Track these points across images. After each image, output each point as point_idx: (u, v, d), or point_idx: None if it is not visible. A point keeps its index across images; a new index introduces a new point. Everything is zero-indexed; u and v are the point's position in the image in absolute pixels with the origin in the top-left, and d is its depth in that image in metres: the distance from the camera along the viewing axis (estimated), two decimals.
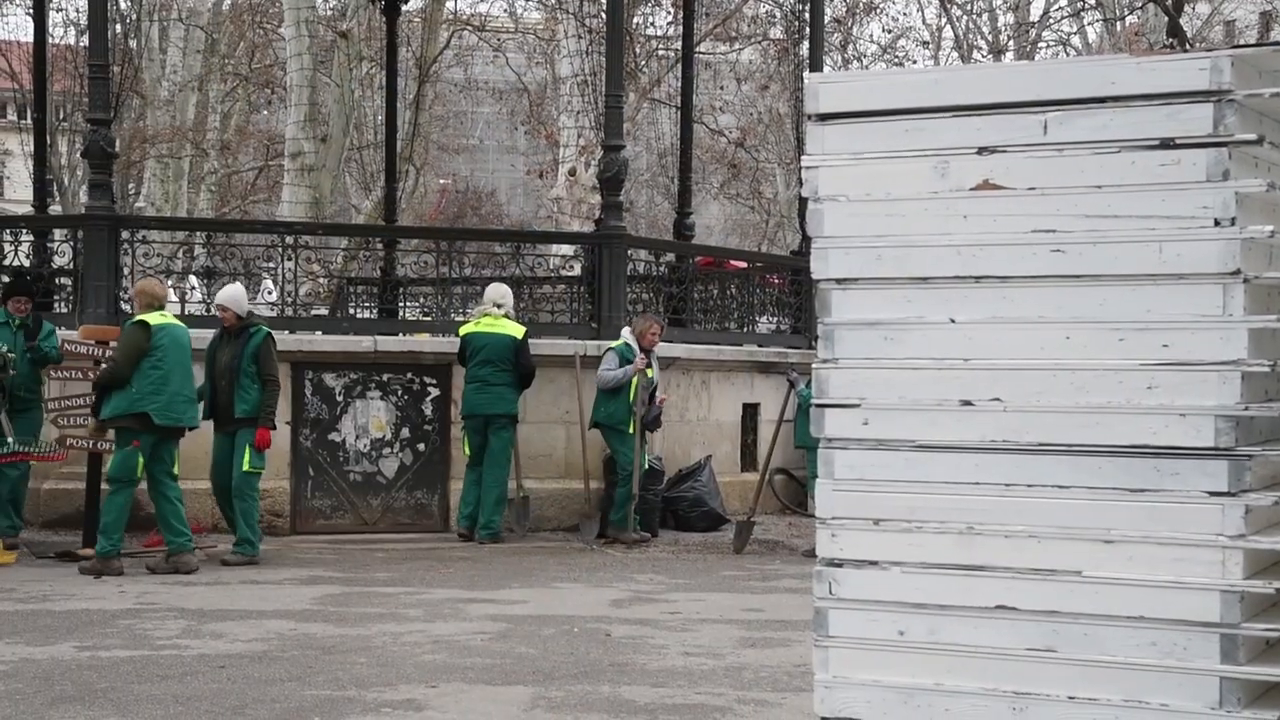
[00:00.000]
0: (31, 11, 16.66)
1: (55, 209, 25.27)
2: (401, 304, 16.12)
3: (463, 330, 11.38)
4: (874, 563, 3.79)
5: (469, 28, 30.32)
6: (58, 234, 13.57)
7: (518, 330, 11.29)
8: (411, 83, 25.73)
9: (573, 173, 21.56)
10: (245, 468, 9.86)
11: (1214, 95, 3.37)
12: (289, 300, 12.43)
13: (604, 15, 15.73)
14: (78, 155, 26.95)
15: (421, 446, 11.84)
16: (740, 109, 31.83)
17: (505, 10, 31.29)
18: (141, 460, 9.32)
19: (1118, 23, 27.01)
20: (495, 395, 11.13)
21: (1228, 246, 3.38)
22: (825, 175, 3.85)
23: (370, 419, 11.73)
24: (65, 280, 12.96)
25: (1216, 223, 3.39)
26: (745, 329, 14.89)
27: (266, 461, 10.10)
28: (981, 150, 3.65)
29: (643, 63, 27.13)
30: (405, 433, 11.81)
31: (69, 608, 8.09)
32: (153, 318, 9.48)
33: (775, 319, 15.86)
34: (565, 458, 12.09)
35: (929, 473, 3.74)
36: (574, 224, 20.55)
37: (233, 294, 10.34)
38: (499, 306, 11.39)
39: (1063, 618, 3.58)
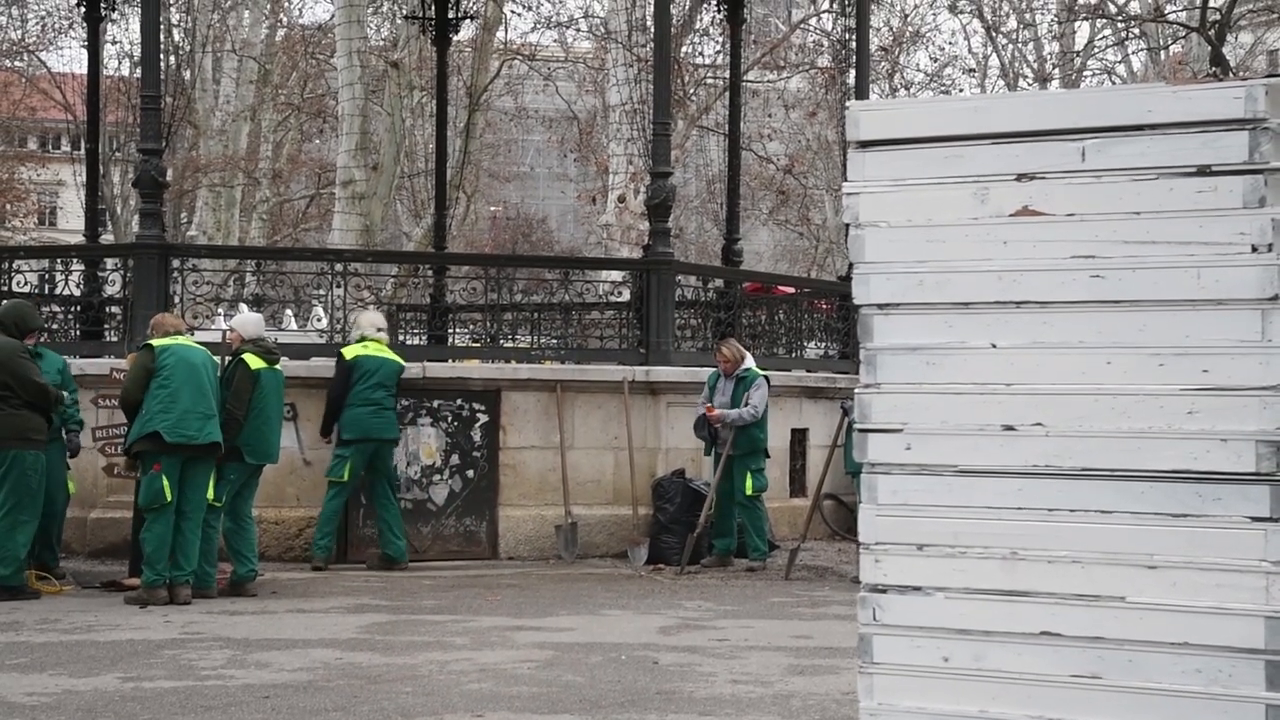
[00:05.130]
0: (86, 44, 16.94)
1: (107, 238, 25.62)
2: (451, 330, 16.24)
3: (349, 353, 11.18)
4: (918, 588, 3.79)
5: (519, 57, 30.57)
6: (109, 263, 13.69)
7: (400, 358, 11.37)
8: (462, 111, 25.96)
9: (622, 199, 21.68)
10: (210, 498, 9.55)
11: (1249, 123, 3.39)
12: (339, 327, 12.55)
13: (652, 44, 15.82)
14: (130, 185, 27.34)
15: (470, 473, 11.87)
16: (788, 136, 31.90)
17: (555, 40, 31.54)
18: (167, 483, 9.17)
19: (1162, 51, 26.93)
20: (388, 419, 11.13)
21: (1265, 272, 3.39)
22: (866, 201, 3.88)
23: (421, 445, 11.75)
24: (115, 309, 13.10)
25: (1254, 249, 3.40)
26: (793, 354, 14.89)
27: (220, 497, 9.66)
28: (1021, 177, 3.67)
29: (691, 91, 27.25)
30: (455, 459, 11.83)
31: (113, 638, 8.04)
32: (160, 340, 9.43)
33: (823, 344, 15.86)
34: (614, 483, 12.11)
35: (972, 498, 3.75)
36: (624, 250, 20.64)
37: (239, 319, 10.49)
38: (381, 330, 11.43)
39: (1107, 644, 3.57)
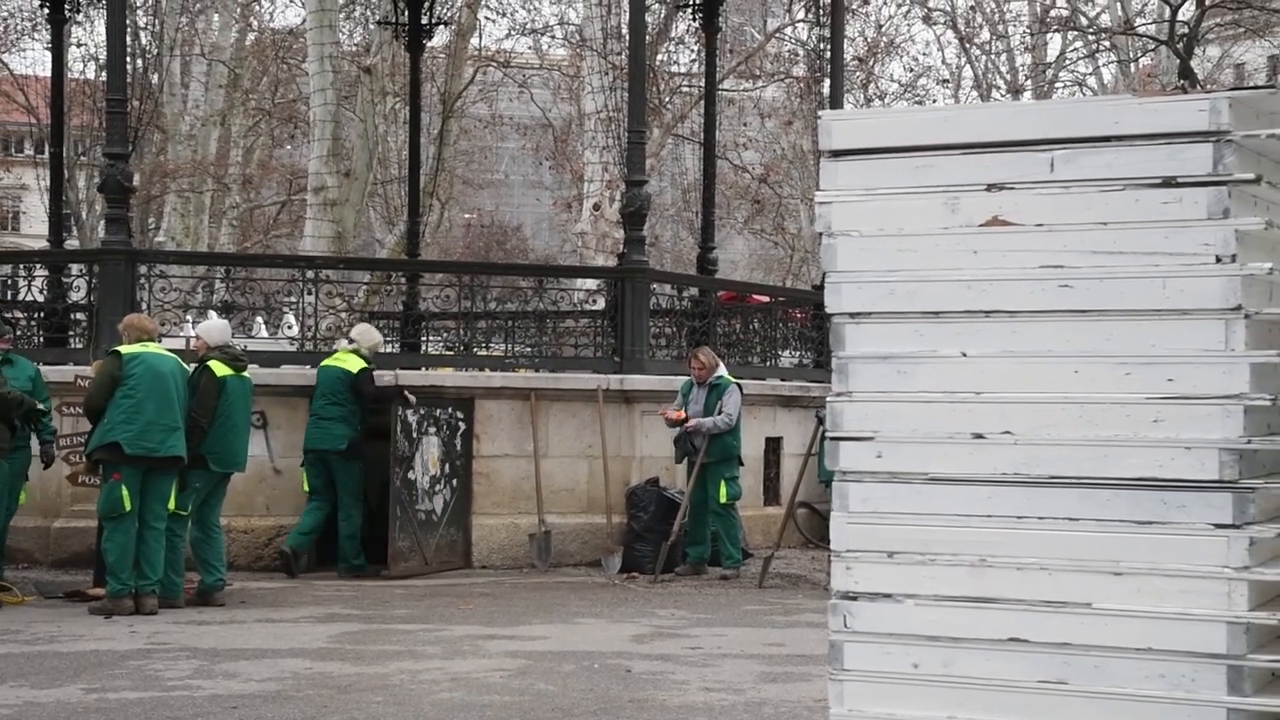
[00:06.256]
0: (50, 46, 16.84)
1: (73, 244, 25.39)
2: (424, 338, 16.21)
3: None
4: (888, 595, 3.82)
5: (494, 64, 30.55)
6: (74, 269, 13.53)
7: (354, 363, 11.15)
8: (436, 118, 25.93)
9: (597, 207, 21.70)
10: (171, 507, 9.41)
11: (1213, 135, 3.44)
12: (310, 335, 12.51)
13: (627, 52, 15.86)
14: (96, 190, 27.13)
15: (455, 482, 11.75)
16: (764, 145, 31.99)
17: (530, 47, 31.54)
18: (127, 492, 9.06)
19: (1132, 64, 27.20)
20: (324, 430, 11.05)
21: (1229, 283, 3.43)
22: (838, 210, 3.90)
23: (429, 456, 11.53)
24: (80, 316, 12.99)
25: (1218, 259, 3.44)
26: (768, 363, 14.93)
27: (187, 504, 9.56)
28: (991, 187, 3.71)
29: (667, 99, 27.31)
30: (447, 468, 11.69)
31: (77, 649, 7.94)
32: (129, 347, 9.31)
33: (798, 353, 15.91)
34: (588, 492, 12.11)
35: (942, 505, 3.78)
36: (599, 258, 20.65)
37: (204, 326, 10.47)
38: (351, 341, 11.38)
39: (1074, 649, 3.60)
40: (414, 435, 11.37)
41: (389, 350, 16.14)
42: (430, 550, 11.48)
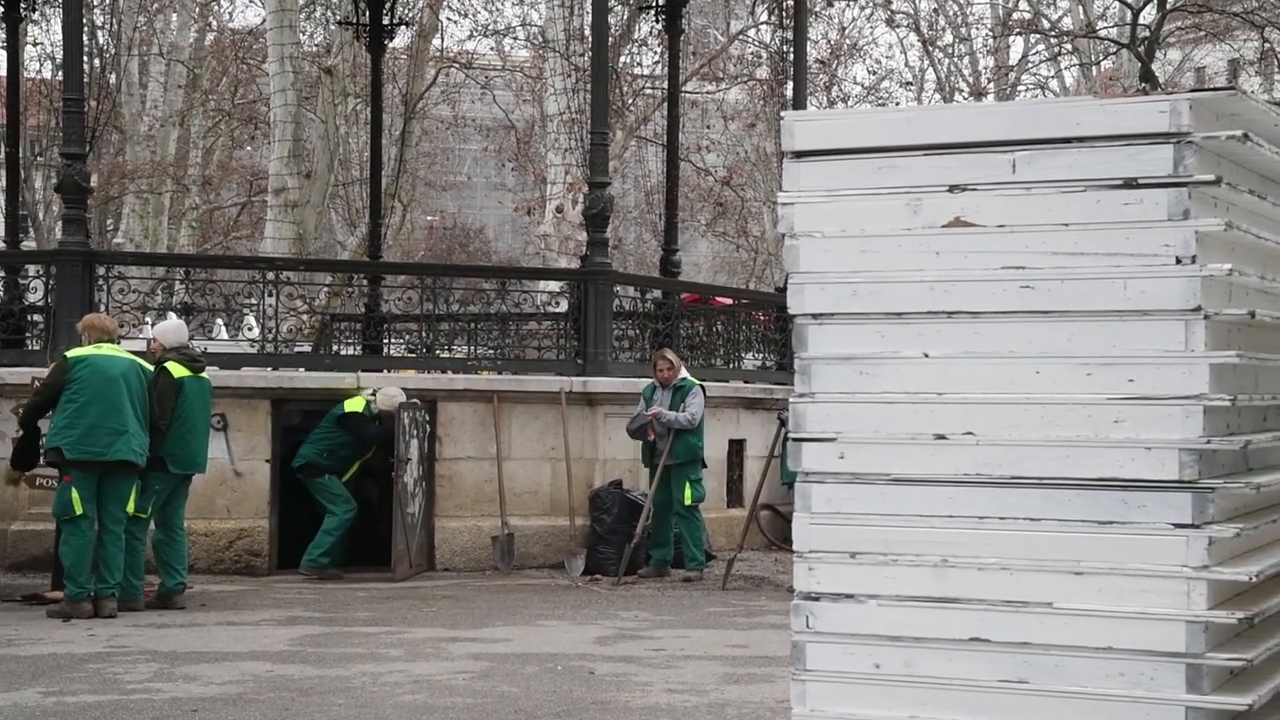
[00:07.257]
0: (5, 45, 16.66)
1: (29, 245, 25.14)
2: (386, 340, 16.14)
3: None
4: (850, 596, 3.82)
5: (455, 65, 30.45)
6: (30, 270, 13.37)
7: (354, 405, 11.26)
8: (398, 119, 25.83)
9: (560, 210, 21.66)
10: (131, 510, 9.33)
11: (1174, 137, 3.46)
12: (270, 337, 12.43)
13: (590, 54, 15.85)
14: (53, 190, 26.81)
15: (425, 484, 11.73)
16: (727, 148, 32.03)
17: (492, 48, 31.46)
18: (77, 495, 8.94)
19: (1093, 67, 27.43)
20: (297, 446, 11.41)
21: (1189, 284, 3.45)
22: (801, 211, 3.91)
23: (413, 458, 11.48)
24: (37, 317, 12.85)
25: (1178, 260, 3.47)
26: (731, 365, 14.95)
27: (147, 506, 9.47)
28: (953, 188, 3.72)
29: (629, 101, 27.29)
30: (421, 471, 11.66)
31: (35, 652, 7.87)
32: (77, 351, 9.22)
33: (761, 355, 15.94)
34: (550, 494, 12.08)
35: (904, 506, 3.79)
36: (561, 260, 20.62)
37: (160, 327, 10.45)
38: (374, 393, 11.35)
39: (1034, 649, 3.62)
40: (407, 438, 11.37)
41: (350, 352, 16.11)
42: (414, 553, 11.48)
